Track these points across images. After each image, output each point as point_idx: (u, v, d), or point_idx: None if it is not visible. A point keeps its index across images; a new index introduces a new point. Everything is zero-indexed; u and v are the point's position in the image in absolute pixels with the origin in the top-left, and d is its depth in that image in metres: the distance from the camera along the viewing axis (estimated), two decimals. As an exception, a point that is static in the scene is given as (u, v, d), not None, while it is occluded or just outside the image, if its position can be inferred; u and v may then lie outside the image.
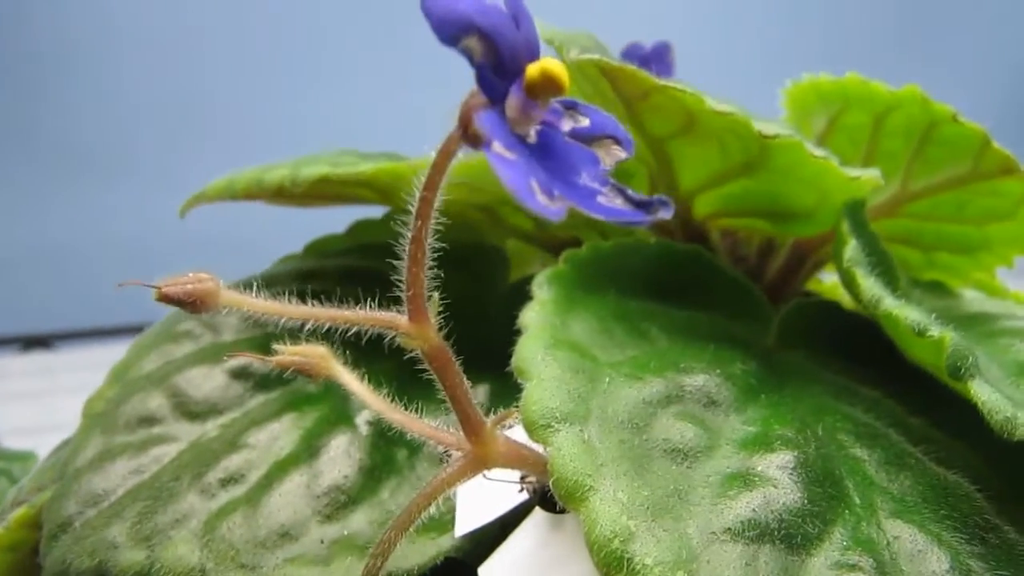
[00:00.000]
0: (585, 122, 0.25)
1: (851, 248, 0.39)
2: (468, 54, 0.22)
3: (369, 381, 0.34)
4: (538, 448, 0.33)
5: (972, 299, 0.51)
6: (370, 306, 0.30)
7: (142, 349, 0.47)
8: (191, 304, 0.26)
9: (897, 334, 0.40)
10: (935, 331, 0.37)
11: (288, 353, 0.33)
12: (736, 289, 0.44)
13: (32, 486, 0.46)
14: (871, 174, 0.41)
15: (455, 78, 0.31)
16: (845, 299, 0.49)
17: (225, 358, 0.43)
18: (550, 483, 0.32)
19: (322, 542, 0.37)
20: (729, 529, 0.32)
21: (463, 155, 0.44)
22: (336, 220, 0.55)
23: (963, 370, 0.36)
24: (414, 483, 0.40)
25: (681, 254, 0.44)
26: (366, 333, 0.30)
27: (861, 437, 0.38)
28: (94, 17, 1.42)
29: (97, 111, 1.44)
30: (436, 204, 0.26)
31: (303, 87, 1.49)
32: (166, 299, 0.26)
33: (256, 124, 1.38)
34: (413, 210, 0.26)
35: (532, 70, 0.22)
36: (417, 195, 0.26)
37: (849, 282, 0.40)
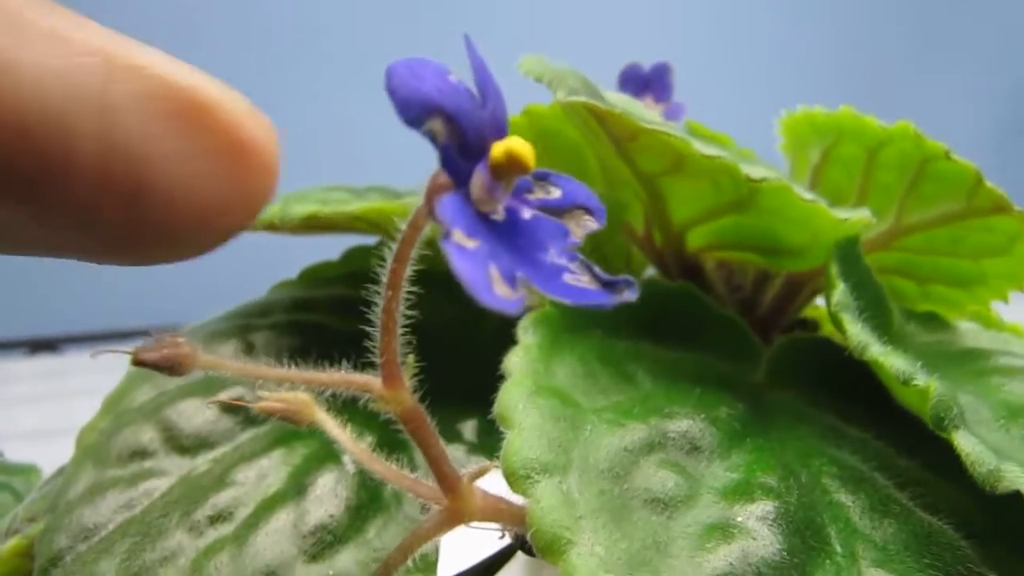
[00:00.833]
0: (556, 193, 0.25)
1: (839, 293, 0.39)
2: (432, 136, 0.22)
3: (354, 425, 0.34)
4: (517, 499, 0.33)
5: (967, 332, 0.51)
6: (349, 367, 0.30)
7: (135, 379, 0.47)
8: (168, 368, 0.26)
9: (884, 378, 0.39)
10: (920, 380, 0.36)
11: (272, 400, 0.34)
12: (726, 327, 0.44)
13: (25, 515, 0.47)
14: (860, 215, 0.41)
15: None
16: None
17: (207, 405, 0.43)
18: (528, 536, 0.32)
19: (306, 583, 0.38)
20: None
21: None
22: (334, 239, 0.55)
23: (946, 421, 0.35)
24: (400, 521, 0.40)
25: (670, 292, 0.44)
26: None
27: (846, 482, 0.38)
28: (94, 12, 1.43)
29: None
30: (406, 275, 0.26)
31: (302, 101, 1.49)
32: (142, 364, 0.26)
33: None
34: (384, 280, 0.26)
35: (496, 151, 0.22)
36: (388, 265, 0.26)
37: (837, 326, 0.39)
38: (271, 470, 0.41)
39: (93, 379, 0.58)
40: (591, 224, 0.25)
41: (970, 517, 0.38)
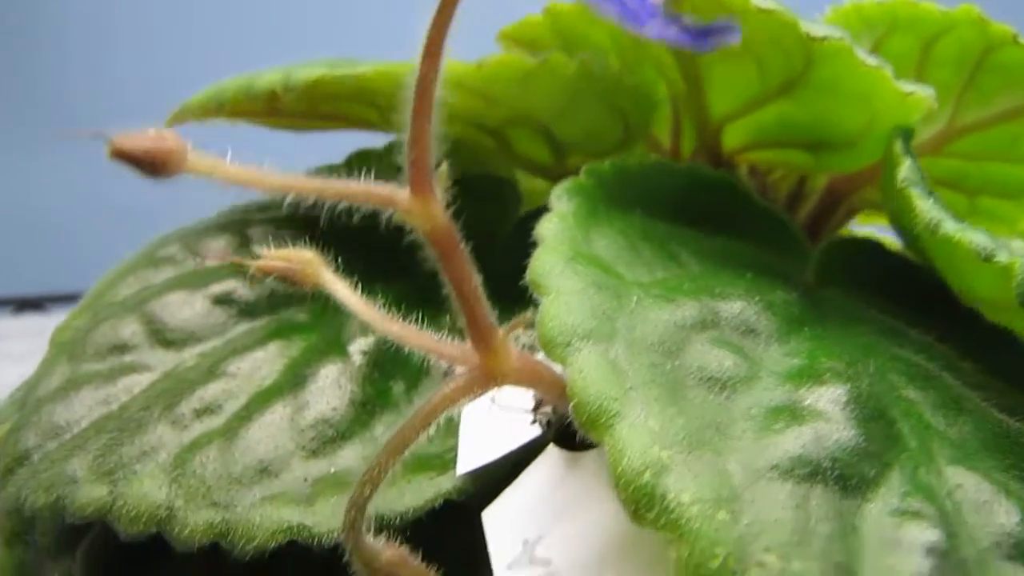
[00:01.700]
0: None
1: (905, 168, 0.34)
2: None
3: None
4: (557, 369, 0.28)
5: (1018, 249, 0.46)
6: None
7: (118, 275, 0.42)
8: (150, 165, 0.21)
9: (954, 264, 0.35)
10: (1003, 256, 0.32)
11: (273, 257, 0.28)
12: (770, 221, 0.39)
13: (-7, 420, 0.41)
14: (925, 92, 0.36)
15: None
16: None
17: (201, 258, 0.38)
18: (570, 408, 0.26)
19: (305, 480, 0.32)
20: (776, 466, 0.27)
21: (479, 59, 0.39)
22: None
23: (1036, 296, 0.31)
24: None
25: (712, 180, 0.39)
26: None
27: (914, 379, 0.33)
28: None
29: (88, 74, 1.39)
30: (444, 47, 0.21)
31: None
32: (120, 155, 0.21)
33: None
34: (421, 48, 0.21)
35: None
36: (425, 35, 0.21)
37: (901, 208, 0.35)
38: (266, 362, 0.36)
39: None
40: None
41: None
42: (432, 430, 0.31)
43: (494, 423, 0.32)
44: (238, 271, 0.40)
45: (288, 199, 0.42)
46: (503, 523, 0.30)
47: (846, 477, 0.27)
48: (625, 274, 0.31)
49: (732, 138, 0.43)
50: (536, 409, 0.31)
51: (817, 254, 0.39)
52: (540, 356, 0.28)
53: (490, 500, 0.31)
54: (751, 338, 0.31)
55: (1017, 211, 0.47)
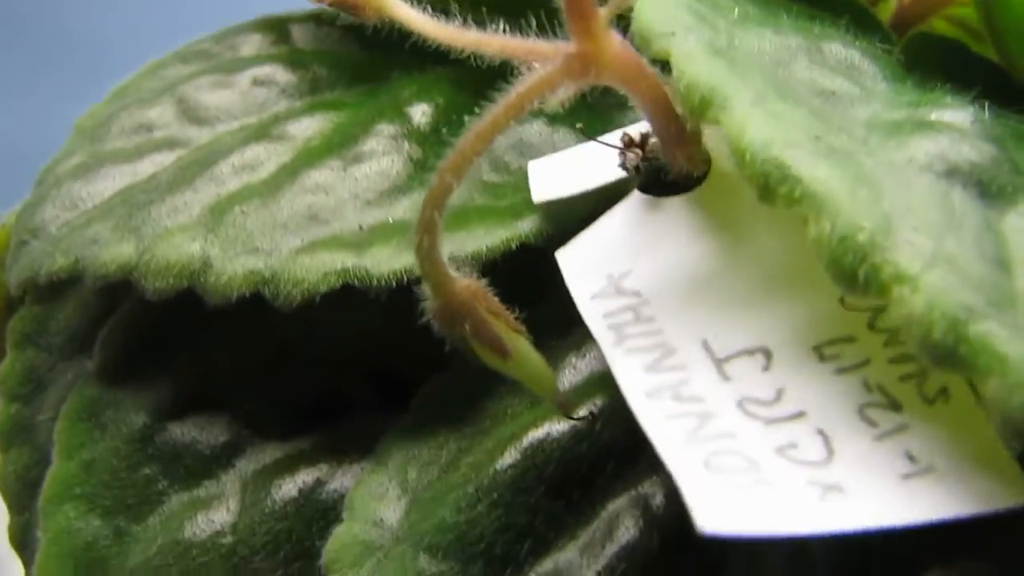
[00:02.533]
0: None
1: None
2: None
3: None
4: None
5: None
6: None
7: (146, 71, 0.38)
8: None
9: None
10: None
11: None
12: (856, 8, 0.36)
13: None
14: None
15: None
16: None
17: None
18: (679, 90, 0.23)
19: (360, 227, 0.29)
20: (912, 160, 0.23)
21: None
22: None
23: None
24: (474, 184, 0.31)
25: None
26: None
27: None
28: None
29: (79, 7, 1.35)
30: None
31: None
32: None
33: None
34: None
35: None
36: None
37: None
38: (312, 126, 0.33)
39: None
40: None
41: None
42: (500, 178, 0.28)
43: (570, 166, 0.29)
44: (274, 57, 0.36)
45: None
46: (582, 262, 0.27)
47: (985, 183, 0.24)
48: (721, 2, 0.28)
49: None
50: (626, 146, 0.27)
51: (903, 41, 0.36)
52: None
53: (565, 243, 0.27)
54: (859, 74, 0.28)
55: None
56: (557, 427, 0.26)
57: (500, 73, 0.34)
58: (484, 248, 0.27)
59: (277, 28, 0.38)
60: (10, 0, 1.35)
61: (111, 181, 0.32)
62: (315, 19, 0.38)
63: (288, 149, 0.31)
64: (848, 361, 0.24)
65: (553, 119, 0.33)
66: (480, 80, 0.35)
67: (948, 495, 0.21)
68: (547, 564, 0.25)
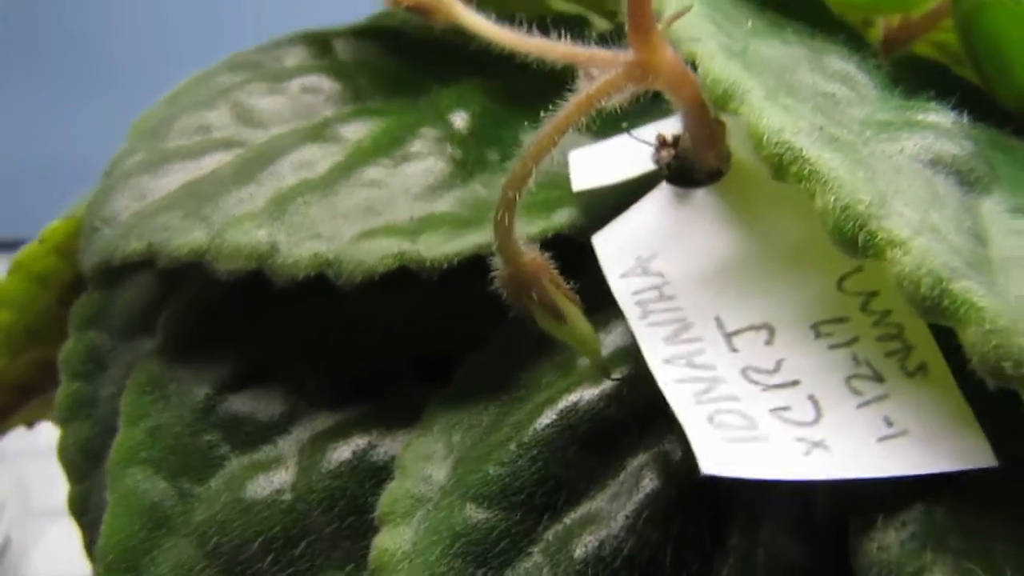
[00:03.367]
0: None
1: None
2: None
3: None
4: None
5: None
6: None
7: (196, 79, 0.42)
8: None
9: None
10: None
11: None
12: (847, 31, 0.40)
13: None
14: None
15: None
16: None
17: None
18: (705, 85, 0.27)
19: (411, 218, 0.33)
20: (901, 151, 0.28)
21: None
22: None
23: None
24: (509, 180, 0.35)
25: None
26: None
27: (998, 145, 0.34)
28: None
29: (125, 21, 1.39)
30: None
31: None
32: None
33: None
34: None
35: None
36: None
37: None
38: (361, 130, 0.37)
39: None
40: None
41: None
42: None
43: (606, 159, 0.33)
44: (319, 67, 0.40)
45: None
46: (614, 245, 0.31)
47: (964, 173, 0.28)
48: (733, 14, 0.32)
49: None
50: (661, 146, 0.31)
51: (890, 61, 0.40)
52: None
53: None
54: (854, 82, 0.32)
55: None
56: (588, 392, 0.30)
57: (530, 85, 0.39)
58: (526, 235, 0.31)
59: (320, 41, 0.42)
60: (5, 11, 1.39)
61: (175, 175, 0.36)
62: (355, 34, 0.43)
63: (340, 150, 0.35)
64: (840, 338, 0.28)
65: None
66: (510, 92, 0.40)
67: (918, 455, 0.25)
68: (581, 511, 0.29)
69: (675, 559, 0.29)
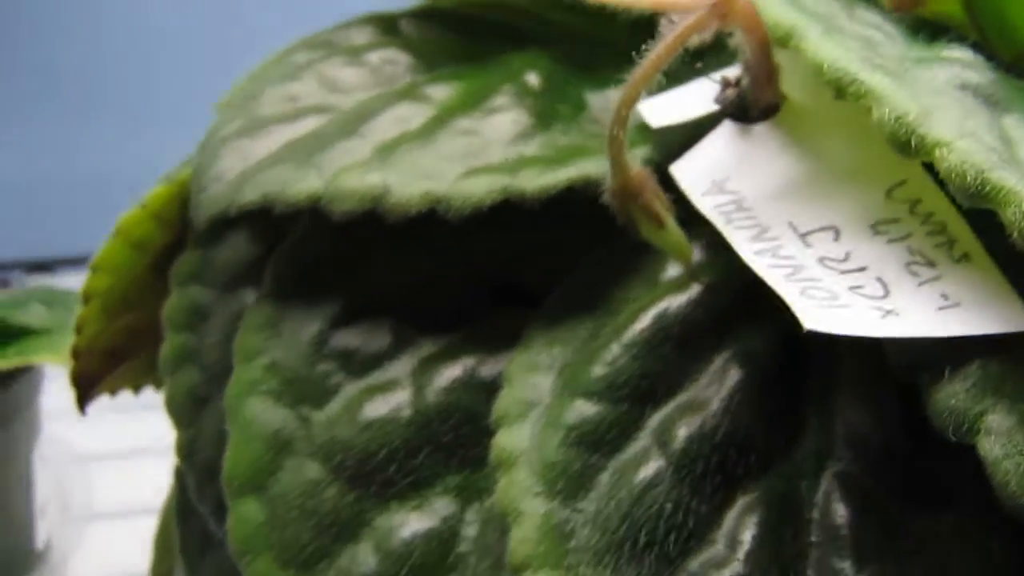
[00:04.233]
0: None
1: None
2: None
3: None
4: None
5: None
6: None
7: (275, 59, 0.47)
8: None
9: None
10: None
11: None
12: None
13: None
14: None
15: None
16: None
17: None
18: (768, 25, 0.33)
19: (506, 159, 0.38)
20: (935, 78, 0.34)
21: None
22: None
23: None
24: (582, 128, 0.40)
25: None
26: None
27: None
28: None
29: (77, 38, 1.43)
30: None
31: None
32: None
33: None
34: None
35: None
36: None
37: None
38: (445, 90, 0.42)
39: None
40: None
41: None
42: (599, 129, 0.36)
43: (672, 105, 0.38)
44: (391, 43, 0.45)
45: None
46: (691, 171, 0.36)
47: (988, 95, 0.34)
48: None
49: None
50: (725, 87, 0.37)
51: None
52: None
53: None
54: (884, 30, 0.38)
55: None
56: (676, 300, 0.36)
57: (583, 55, 0.44)
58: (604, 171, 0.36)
59: (387, 22, 0.48)
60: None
61: (275, 136, 0.41)
62: (419, 15, 0.48)
63: (432, 107, 0.41)
64: (896, 234, 0.34)
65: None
66: (568, 59, 0.45)
67: (973, 320, 0.31)
68: (679, 399, 0.34)
69: (765, 435, 0.34)
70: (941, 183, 0.32)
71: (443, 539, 0.36)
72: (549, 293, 0.39)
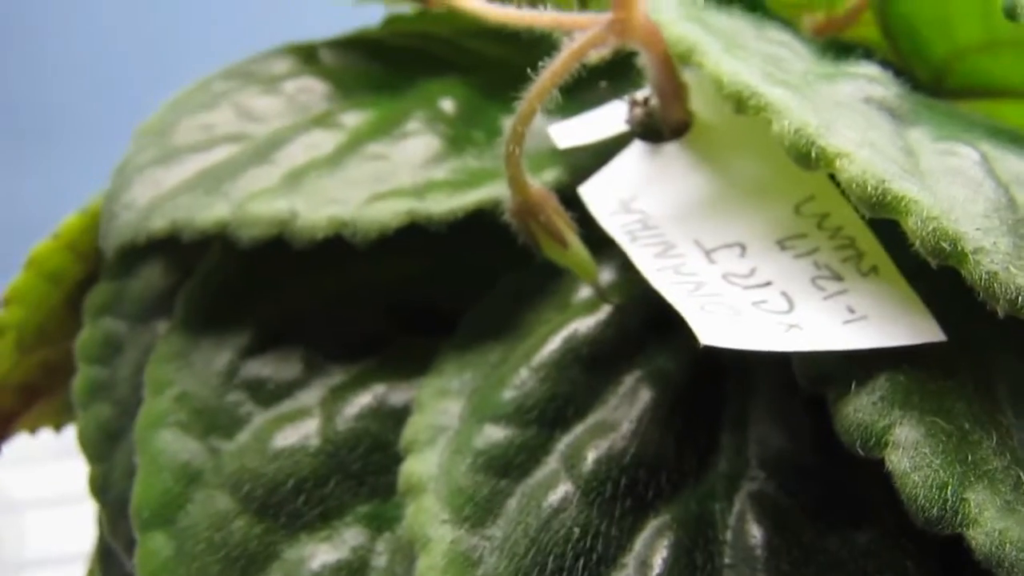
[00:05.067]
0: None
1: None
2: None
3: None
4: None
5: None
6: None
7: (194, 89, 0.46)
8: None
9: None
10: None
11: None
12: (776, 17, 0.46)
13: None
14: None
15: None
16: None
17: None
18: (669, 43, 0.33)
19: (415, 183, 0.37)
20: (840, 92, 0.34)
21: None
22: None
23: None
24: (495, 153, 0.40)
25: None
26: None
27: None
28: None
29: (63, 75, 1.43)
30: None
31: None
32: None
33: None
34: None
35: None
36: None
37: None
38: (359, 117, 0.41)
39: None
40: None
41: None
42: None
43: (582, 127, 0.38)
44: (309, 71, 0.45)
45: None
46: (599, 192, 0.36)
47: (894, 109, 0.34)
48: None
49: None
50: (633, 104, 0.36)
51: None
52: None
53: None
54: (793, 48, 0.38)
55: None
56: (586, 321, 0.35)
57: (502, 83, 0.44)
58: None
59: (305, 52, 0.47)
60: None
61: (189, 165, 0.40)
62: (338, 44, 0.48)
63: (344, 133, 0.40)
64: (802, 249, 0.33)
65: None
66: (485, 87, 0.45)
67: (879, 334, 0.30)
68: (589, 421, 0.33)
69: (677, 456, 0.33)
70: (849, 197, 0.32)
71: (353, 570, 0.34)
72: (457, 317, 0.39)
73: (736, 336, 0.29)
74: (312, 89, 0.44)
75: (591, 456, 0.32)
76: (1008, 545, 0.26)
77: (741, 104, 0.31)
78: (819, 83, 0.34)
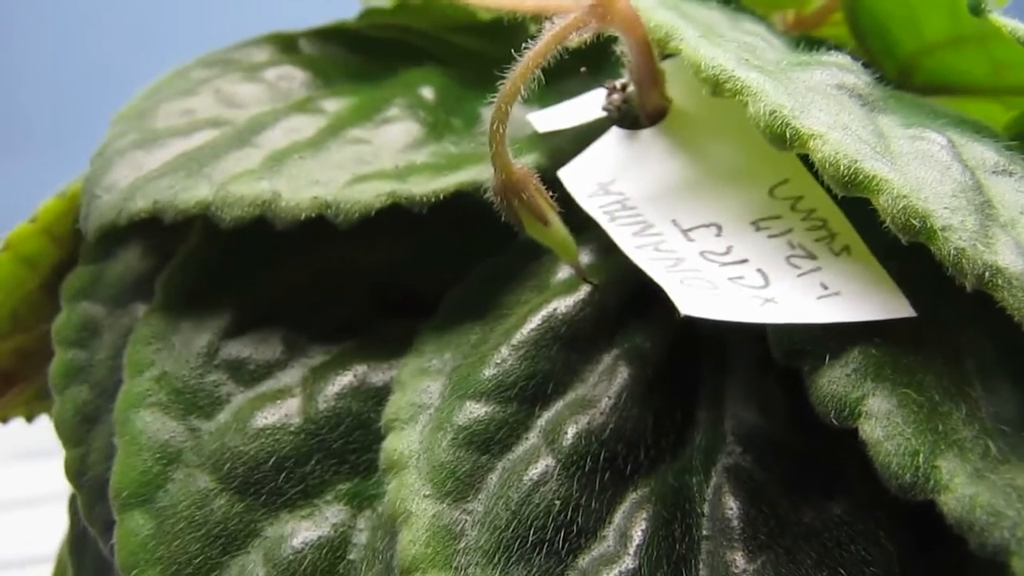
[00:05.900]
0: None
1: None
2: None
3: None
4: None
5: None
6: None
7: (173, 76, 0.46)
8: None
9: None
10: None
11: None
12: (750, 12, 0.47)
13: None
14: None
15: None
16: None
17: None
18: (649, 29, 0.33)
19: (396, 166, 0.38)
20: (812, 78, 0.34)
21: None
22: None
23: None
24: (474, 140, 0.40)
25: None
26: None
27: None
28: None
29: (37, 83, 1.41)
30: None
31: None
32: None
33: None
34: None
35: None
36: None
37: None
38: (341, 102, 0.41)
39: None
40: None
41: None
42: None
43: (561, 114, 0.39)
44: (289, 60, 0.45)
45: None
46: (578, 175, 0.36)
47: (864, 96, 0.35)
48: None
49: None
50: (611, 91, 0.37)
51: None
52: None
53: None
54: (766, 39, 0.39)
55: None
56: (565, 301, 0.35)
57: (478, 73, 0.45)
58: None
59: (286, 41, 0.47)
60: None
61: (170, 148, 0.40)
62: (318, 34, 0.48)
63: (325, 118, 0.40)
64: (777, 230, 0.34)
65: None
66: (463, 77, 0.45)
67: (851, 308, 0.31)
68: (568, 397, 0.34)
69: (655, 431, 0.34)
70: (822, 180, 0.33)
71: (334, 547, 0.34)
72: (435, 300, 0.39)
73: (714, 308, 0.30)
74: (293, 77, 0.44)
75: (571, 431, 0.33)
76: (978, 509, 0.27)
77: (718, 87, 0.32)
78: (793, 70, 0.35)
